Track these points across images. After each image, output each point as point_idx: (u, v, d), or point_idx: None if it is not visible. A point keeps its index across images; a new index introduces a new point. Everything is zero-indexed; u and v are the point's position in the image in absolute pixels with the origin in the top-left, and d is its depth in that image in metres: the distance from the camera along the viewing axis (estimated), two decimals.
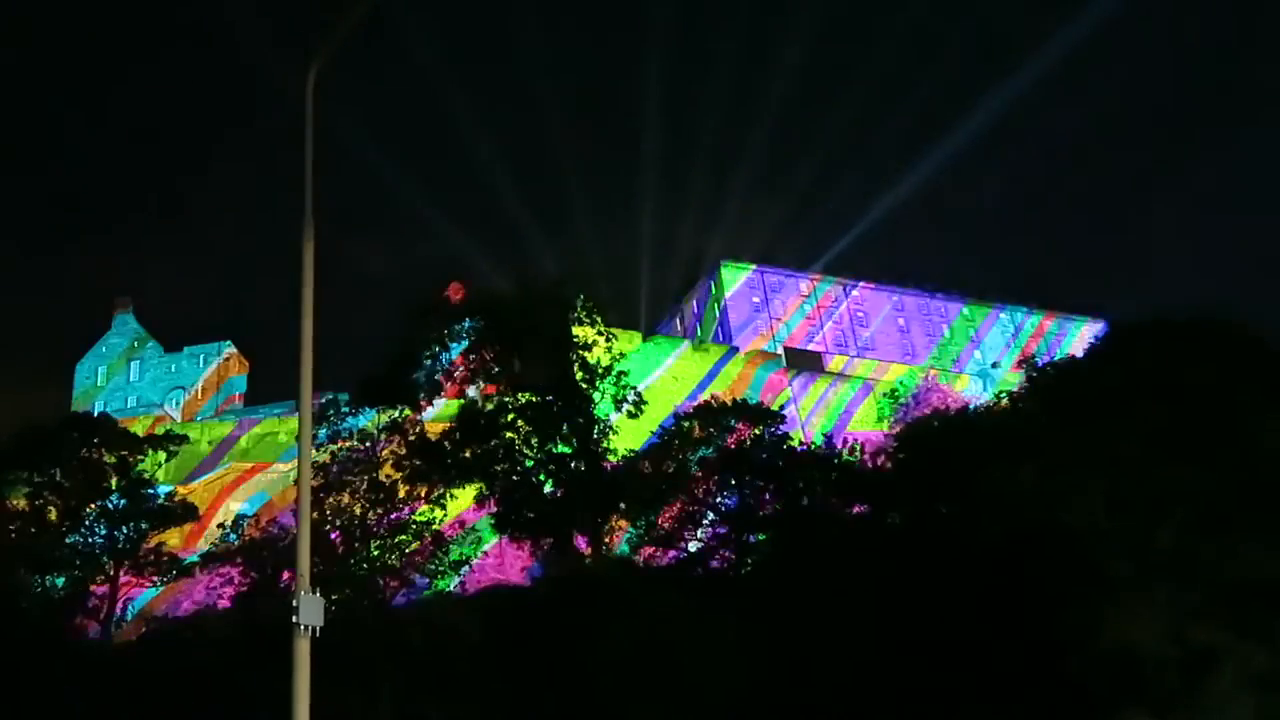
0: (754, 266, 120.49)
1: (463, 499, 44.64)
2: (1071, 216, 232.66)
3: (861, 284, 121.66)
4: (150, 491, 48.43)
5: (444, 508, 42.95)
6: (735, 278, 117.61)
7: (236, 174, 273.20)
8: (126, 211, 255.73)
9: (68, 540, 44.93)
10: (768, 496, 41.36)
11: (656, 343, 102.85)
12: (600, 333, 45.21)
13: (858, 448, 44.11)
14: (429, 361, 43.89)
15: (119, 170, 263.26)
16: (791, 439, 46.11)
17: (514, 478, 41.72)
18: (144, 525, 47.08)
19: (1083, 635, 25.51)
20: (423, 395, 43.96)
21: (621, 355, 45.28)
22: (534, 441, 42.14)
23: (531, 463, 42.06)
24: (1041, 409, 34.81)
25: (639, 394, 44.41)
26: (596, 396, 43.61)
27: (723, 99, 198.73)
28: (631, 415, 43.61)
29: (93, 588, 45.32)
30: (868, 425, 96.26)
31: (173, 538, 51.83)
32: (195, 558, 48.47)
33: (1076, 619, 25.65)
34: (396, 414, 43.32)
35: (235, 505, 74.58)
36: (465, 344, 44.79)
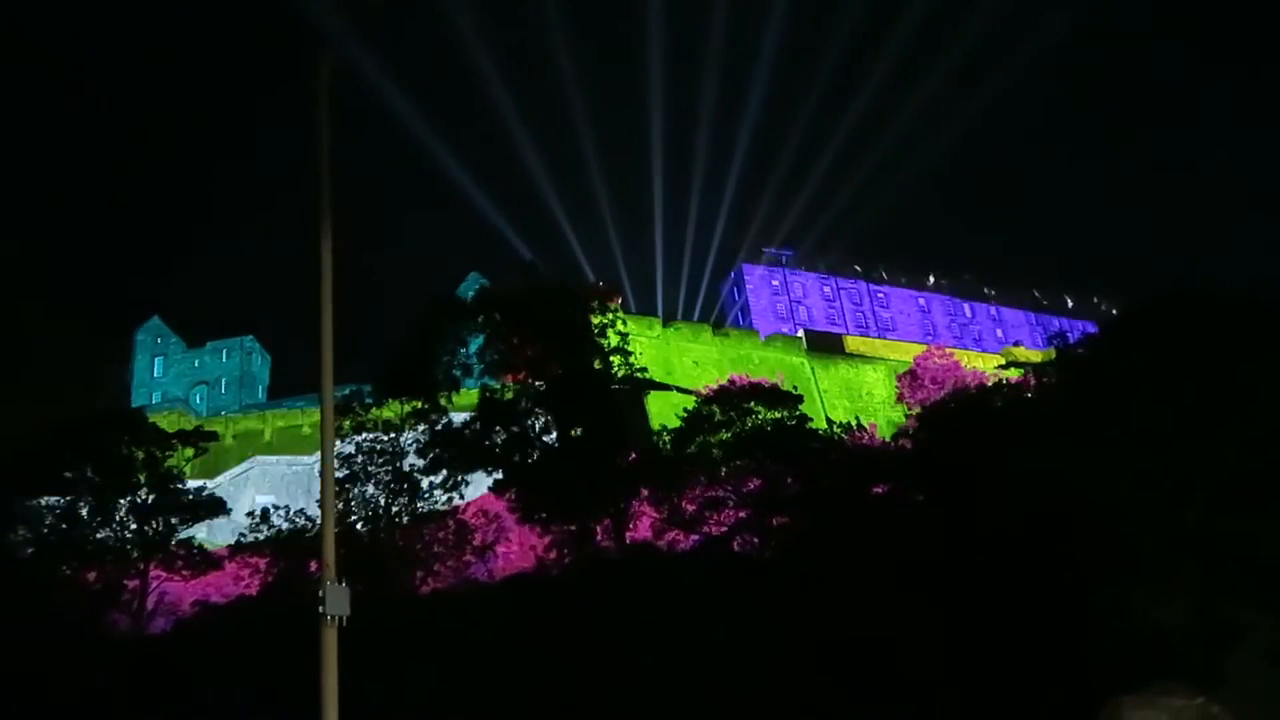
0: (774, 250, 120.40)
1: (485, 487, 44.90)
2: (1086, 204, 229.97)
3: (884, 285, 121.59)
4: (179, 486, 48.99)
5: (462, 495, 43.30)
6: (756, 262, 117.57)
7: (259, 168, 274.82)
8: (149, 209, 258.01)
9: (99, 535, 45.49)
10: (789, 479, 41.31)
11: (677, 329, 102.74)
12: (612, 315, 45.34)
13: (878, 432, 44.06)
14: (446, 357, 44.21)
15: (140, 168, 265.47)
16: (812, 421, 45.95)
17: (535, 464, 41.91)
18: (173, 519, 47.62)
19: (1110, 614, 25.36)
20: (442, 386, 44.24)
21: (627, 332, 45.42)
22: (554, 428, 42.33)
23: (552, 449, 42.22)
24: (1066, 385, 34.53)
25: (645, 371, 44.44)
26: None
27: (724, 90, 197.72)
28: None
29: (124, 581, 45.89)
30: (889, 406, 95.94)
31: (200, 531, 52.41)
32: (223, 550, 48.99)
33: (1103, 598, 25.50)
34: (419, 404, 43.69)
35: (261, 498, 75.27)
36: (483, 336, 45.07)
